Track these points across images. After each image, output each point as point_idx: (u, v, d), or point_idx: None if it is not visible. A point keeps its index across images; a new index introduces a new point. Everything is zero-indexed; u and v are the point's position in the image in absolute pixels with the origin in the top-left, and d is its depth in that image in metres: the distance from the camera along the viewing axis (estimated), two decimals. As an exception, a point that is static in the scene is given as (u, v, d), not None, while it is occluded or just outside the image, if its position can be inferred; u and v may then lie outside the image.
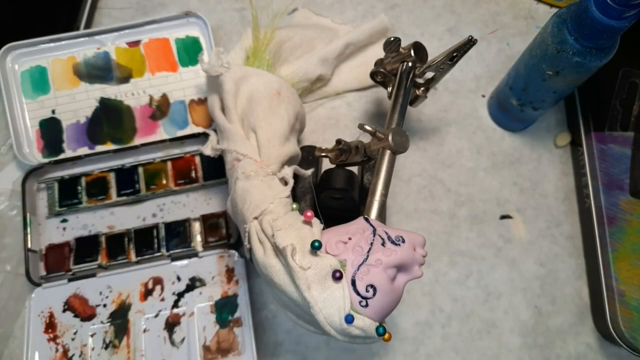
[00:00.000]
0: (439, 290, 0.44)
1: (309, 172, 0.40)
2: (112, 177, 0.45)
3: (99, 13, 0.52)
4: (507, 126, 0.48)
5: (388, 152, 0.34)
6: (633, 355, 0.40)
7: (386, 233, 0.29)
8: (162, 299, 0.42)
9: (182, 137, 0.46)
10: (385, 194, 0.33)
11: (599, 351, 0.42)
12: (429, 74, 0.41)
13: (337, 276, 0.28)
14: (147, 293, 0.42)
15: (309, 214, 0.30)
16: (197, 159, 0.45)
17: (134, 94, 0.47)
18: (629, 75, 0.45)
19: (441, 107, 0.49)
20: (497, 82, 0.49)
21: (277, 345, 0.42)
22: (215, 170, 0.45)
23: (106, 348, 0.41)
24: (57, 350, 0.41)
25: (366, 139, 0.36)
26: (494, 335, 0.43)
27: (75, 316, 0.42)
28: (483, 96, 0.49)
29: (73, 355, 0.41)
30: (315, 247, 0.28)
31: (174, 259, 0.43)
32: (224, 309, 0.42)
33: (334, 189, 0.38)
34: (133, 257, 0.43)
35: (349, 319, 0.27)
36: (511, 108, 0.44)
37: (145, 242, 0.43)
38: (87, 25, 0.50)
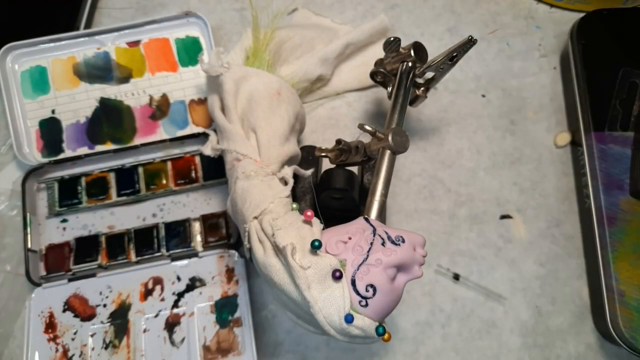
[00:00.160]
0: (439, 290, 0.44)
1: (309, 172, 0.40)
2: (112, 177, 0.45)
3: (99, 13, 0.52)
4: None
5: (388, 152, 0.34)
6: (633, 355, 0.40)
7: (386, 233, 0.29)
8: (162, 299, 0.42)
9: (182, 137, 0.46)
10: (385, 194, 0.33)
11: (599, 351, 0.42)
12: (429, 74, 0.41)
13: (337, 276, 0.28)
14: (147, 293, 0.42)
15: (309, 213, 0.30)
16: (197, 159, 0.45)
17: (134, 94, 0.47)
18: (629, 75, 0.45)
19: (441, 107, 0.49)
20: (497, 82, 0.49)
21: (277, 345, 0.42)
22: (215, 170, 0.45)
23: (106, 348, 0.41)
24: (57, 350, 0.41)
25: (366, 139, 0.36)
26: (494, 335, 0.43)
27: (75, 316, 0.42)
28: (483, 96, 0.49)
29: (73, 355, 0.41)
30: (315, 246, 0.28)
31: (174, 259, 0.43)
32: (224, 309, 0.42)
33: (334, 189, 0.38)
34: (133, 257, 0.43)
35: (349, 319, 0.27)
36: None
37: (145, 242, 0.43)
38: (87, 25, 0.50)
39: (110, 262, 0.43)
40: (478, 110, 0.49)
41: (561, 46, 0.50)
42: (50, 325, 0.41)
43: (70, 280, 0.42)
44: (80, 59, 0.47)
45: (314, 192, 0.40)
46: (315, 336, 0.42)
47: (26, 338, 0.41)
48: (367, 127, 0.35)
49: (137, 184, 0.45)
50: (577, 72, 0.46)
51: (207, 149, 0.39)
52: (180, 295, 0.42)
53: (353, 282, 0.28)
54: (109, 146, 0.46)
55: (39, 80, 0.47)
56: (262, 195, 0.33)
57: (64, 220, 0.45)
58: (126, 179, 0.45)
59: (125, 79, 0.47)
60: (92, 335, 0.41)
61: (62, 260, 0.43)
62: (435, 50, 0.41)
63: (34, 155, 0.45)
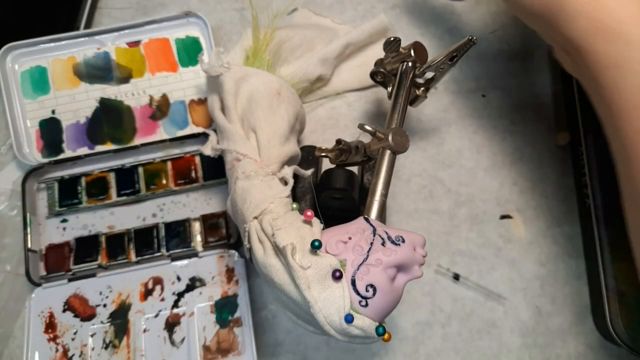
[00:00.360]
0: (439, 290, 0.44)
1: (309, 172, 0.40)
2: (112, 177, 0.45)
3: (99, 13, 0.52)
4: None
5: (388, 152, 0.34)
6: (633, 355, 0.40)
7: (386, 233, 0.29)
8: (162, 299, 0.42)
9: (182, 137, 0.46)
10: (385, 194, 0.33)
11: (599, 351, 0.42)
12: (429, 74, 0.41)
13: (337, 276, 0.28)
14: (147, 293, 0.42)
15: (309, 213, 0.30)
16: (197, 159, 0.45)
17: (134, 94, 0.47)
18: (629, 75, 0.45)
19: (441, 107, 0.49)
20: (497, 82, 0.49)
21: (277, 345, 0.42)
22: (215, 170, 0.45)
23: (106, 348, 0.41)
24: (57, 350, 0.41)
25: (366, 139, 0.36)
26: (494, 335, 0.43)
27: (75, 316, 0.42)
28: (483, 96, 0.49)
29: (73, 355, 0.41)
30: (315, 246, 0.28)
31: (174, 259, 0.43)
32: (224, 309, 0.42)
33: (334, 189, 0.38)
34: (133, 257, 0.43)
35: (349, 319, 0.27)
36: None
37: (145, 242, 0.43)
38: (87, 25, 0.50)
39: (110, 262, 0.43)
40: (478, 110, 0.49)
41: (561, 46, 0.50)
42: (50, 325, 0.41)
43: (70, 280, 0.42)
44: (80, 59, 0.47)
45: (314, 192, 0.40)
46: (315, 336, 0.42)
47: (26, 338, 0.41)
48: (367, 127, 0.35)
49: (137, 184, 0.45)
50: (577, 72, 0.46)
51: (207, 149, 0.39)
52: (180, 295, 0.42)
53: (353, 282, 0.28)
54: (109, 146, 0.46)
55: (39, 80, 0.47)
56: (262, 195, 0.33)
57: (64, 220, 0.45)
58: (126, 179, 0.45)
59: (125, 79, 0.47)
60: (92, 335, 0.41)
61: (62, 260, 0.43)
62: (435, 50, 0.41)
63: (34, 155, 0.45)
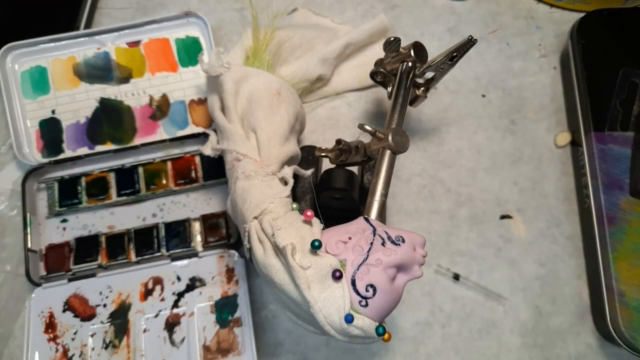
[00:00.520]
0: (439, 290, 0.44)
1: (309, 172, 0.40)
2: (112, 177, 0.45)
3: (99, 13, 0.52)
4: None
5: (388, 152, 0.34)
6: (633, 355, 0.40)
7: (386, 233, 0.29)
8: (162, 299, 0.42)
9: (182, 137, 0.46)
10: (385, 194, 0.33)
11: (599, 351, 0.42)
12: (429, 74, 0.41)
13: (337, 276, 0.28)
14: (147, 293, 0.42)
15: (309, 213, 0.30)
16: (197, 159, 0.45)
17: (134, 94, 0.47)
18: (629, 75, 0.45)
19: (441, 107, 0.49)
20: (497, 82, 0.49)
21: (277, 345, 0.42)
22: (215, 170, 0.45)
23: (106, 348, 0.41)
24: (57, 350, 0.41)
25: (366, 139, 0.36)
26: (494, 335, 0.43)
27: (75, 316, 0.42)
28: (483, 96, 0.49)
29: (73, 355, 0.41)
30: (315, 246, 0.28)
31: (174, 259, 0.43)
32: (224, 309, 0.42)
33: (334, 189, 0.38)
34: (133, 257, 0.43)
35: (349, 319, 0.27)
36: None
37: (145, 242, 0.43)
38: (87, 25, 0.50)
39: (110, 262, 0.43)
40: (478, 110, 0.49)
41: (561, 46, 0.50)
42: (50, 325, 0.41)
43: (70, 280, 0.42)
44: (80, 59, 0.47)
45: (314, 192, 0.40)
46: (315, 336, 0.42)
47: (26, 338, 0.41)
48: (367, 127, 0.35)
49: (137, 184, 0.45)
50: (577, 72, 0.46)
51: (207, 149, 0.39)
52: (180, 295, 0.42)
53: (353, 282, 0.28)
54: (109, 146, 0.46)
55: (39, 80, 0.47)
56: (262, 195, 0.33)
57: (64, 220, 0.45)
58: (126, 179, 0.45)
59: (125, 79, 0.47)
60: (92, 335, 0.41)
61: (62, 260, 0.43)
62: (435, 50, 0.41)
63: (34, 155, 0.45)
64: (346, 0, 0.52)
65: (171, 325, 0.41)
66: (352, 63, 0.49)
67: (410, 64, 0.40)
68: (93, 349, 0.41)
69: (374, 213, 0.32)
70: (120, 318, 0.42)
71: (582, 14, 0.47)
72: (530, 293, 0.44)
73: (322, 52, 0.46)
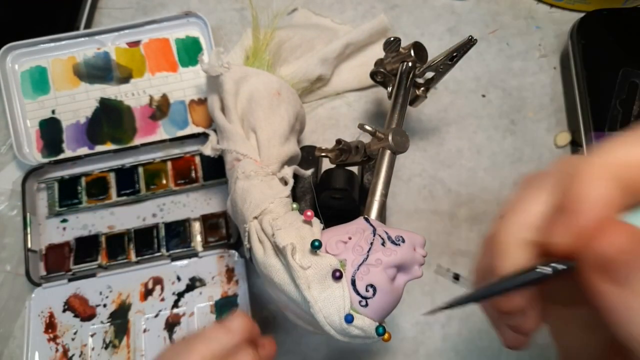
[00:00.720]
0: (439, 290, 0.44)
1: (309, 172, 0.40)
2: (112, 177, 0.45)
3: (99, 13, 0.52)
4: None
5: (388, 152, 0.34)
6: (633, 355, 0.40)
7: (386, 233, 0.29)
8: (162, 299, 0.42)
9: (182, 137, 0.46)
10: (385, 194, 0.33)
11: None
12: (429, 74, 0.41)
13: (337, 276, 0.28)
14: (147, 293, 0.42)
15: (309, 213, 0.30)
16: (197, 159, 0.45)
17: (134, 94, 0.47)
18: (629, 75, 0.45)
19: (441, 107, 0.49)
20: (497, 82, 0.49)
21: (277, 345, 0.42)
22: (215, 170, 0.45)
23: (106, 348, 0.41)
24: (57, 350, 0.41)
25: (366, 139, 0.36)
26: (494, 335, 0.42)
27: (75, 316, 0.42)
28: (483, 96, 0.49)
29: (73, 355, 0.41)
30: (316, 246, 0.28)
31: (174, 259, 0.43)
32: (224, 309, 0.42)
33: (334, 189, 0.38)
34: (133, 257, 0.43)
35: (349, 319, 0.27)
36: None
37: (145, 242, 0.43)
38: (87, 25, 0.50)
39: (110, 262, 0.43)
40: (478, 110, 0.49)
41: (561, 46, 0.50)
42: (50, 325, 0.41)
43: (70, 280, 0.42)
44: (80, 59, 0.47)
45: (314, 192, 0.40)
46: (315, 336, 0.42)
47: (26, 338, 0.41)
48: (367, 127, 0.35)
49: (137, 184, 0.45)
50: (577, 72, 0.46)
51: (207, 149, 0.39)
52: (180, 295, 0.42)
53: (353, 282, 0.28)
54: (109, 146, 0.46)
55: (39, 80, 0.47)
56: (262, 195, 0.33)
57: (64, 220, 0.45)
58: (126, 179, 0.45)
59: (125, 79, 0.47)
60: (92, 335, 0.41)
61: (62, 260, 0.43)
62: (435, 50, 0.41)
63: (34, 155, 0.45)
64: (346, 0, 0.52)
65: (171, 325, 0.41)
66: (352, 63, 0.49)
67: (410, 64, 0.40)
68: (93, 349, 0.41)
69: (374, 213, 0.32)
70: (120, 318, 0.42)
71: (582, 14, 0.47)
72: (530, 293, 0.44)
73: (322, 52, 0.46)
